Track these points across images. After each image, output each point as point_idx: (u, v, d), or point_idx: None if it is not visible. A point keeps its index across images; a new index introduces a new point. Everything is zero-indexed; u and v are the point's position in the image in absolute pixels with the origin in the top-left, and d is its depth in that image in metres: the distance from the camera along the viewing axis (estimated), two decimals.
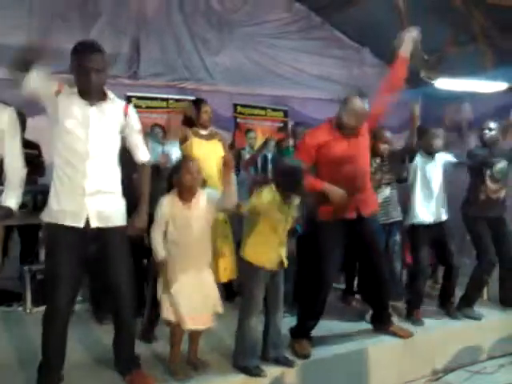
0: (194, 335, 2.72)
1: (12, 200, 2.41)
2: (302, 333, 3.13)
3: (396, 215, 3.84)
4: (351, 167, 3.03)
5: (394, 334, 3.32)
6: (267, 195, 2.69)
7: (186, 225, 2.59)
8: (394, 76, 3.22)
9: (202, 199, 2.66)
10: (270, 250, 2.73)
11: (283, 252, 2.78)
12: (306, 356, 2.96)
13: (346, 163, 3.01)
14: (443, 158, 3.77)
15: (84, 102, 2.34)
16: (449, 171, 3.79)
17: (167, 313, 2.57)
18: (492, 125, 3.87)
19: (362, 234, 3.13)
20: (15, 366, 2.76)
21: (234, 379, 2.70)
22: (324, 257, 3.06)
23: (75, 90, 2.35)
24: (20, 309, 3.76)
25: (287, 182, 2.69)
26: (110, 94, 2.45)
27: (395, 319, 3.46)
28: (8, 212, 2.40)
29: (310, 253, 3.17)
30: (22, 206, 3.69)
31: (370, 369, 3.10)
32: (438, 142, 3.69)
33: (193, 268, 2.60)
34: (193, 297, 2.56)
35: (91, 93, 2.33)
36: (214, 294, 2.68)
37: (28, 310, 3.69)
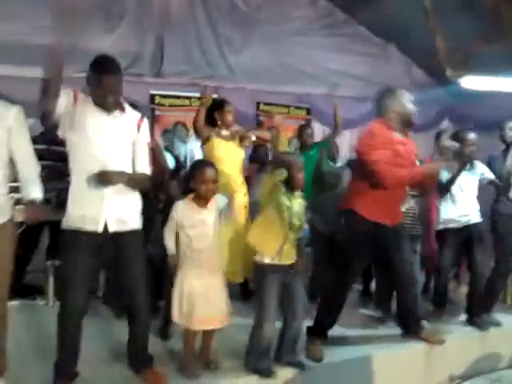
0: (207, 335, 2.76)
1: (37, 191, 2.42)
2: (318, 331, 3.13)
3: (418, 228, 3.80)
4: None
5: (425, 340, 3.25)
6: (268, 180, 2.73)
7: (200, 229, 2.63)
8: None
9: (215, 204, 2.70)
10: (273, 238, 2.70)
11: (290, 249, 2.75)
12: (318, 360, 2.96)
13: (406, 166, 2.98)
14: (483, 171, 3.76)
15: (100, 110, 2.39)
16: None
17: (176, 315, 2.63)
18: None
19: (394, 241, 3.08)
20: (34, 360, 2.85)
21: (244, 379, 2.71)
22: (352, 257, 3.05)
23: (90, 99, 2.39)
24: (43, 302, 3.88)
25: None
26: (126, 105, 2.50)
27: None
28: (41, 204, 2.43)
29: (339, 249, 3.16)
30: (47, 202, 3.83)
31: (382, 374, 3.06)
32: (473, 149, 3.64)
33: (204, 271, 2.64)
34: (203, 299, 2.60)
35: (107, 109, 2.38)
36: (224, 297, 2.71)
37: (50, 304, 3.80)
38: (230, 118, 3.69)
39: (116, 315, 3.53)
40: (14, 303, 3.51)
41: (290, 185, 2.71)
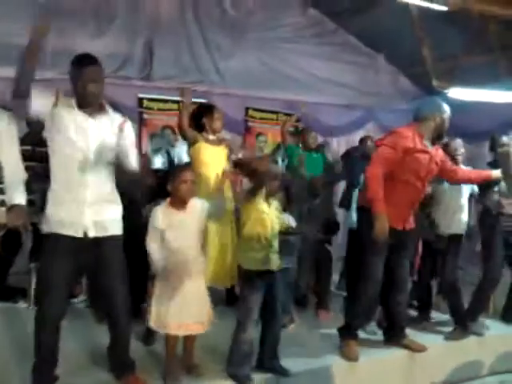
0: (188, 340, 2.75)
1: (20, 197, 2.40)
2: (348, 332, 3.17)
3: None
4: (424, 179, 3.12)
5: (406, 347, 3.29)
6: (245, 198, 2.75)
7: (180, 232, 2.62)
8: (461, 178, 3.39)
9: (196, 207, 2.68)
10: (258, 249, 2.71)
11: (275, 255, 2.77)
12: (353, 359, 3.01)
13: (423, 174, 3.08)
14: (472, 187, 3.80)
15: (82, 113, 2.39)
16: None
17: (151, 320, 2.63)
18: (505, 139, 3.78)
19: (400, 245, 3.16)
20: (13, 363, 2.81)
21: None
22: (374, 257, 3.08)
23: (72, 101, 2.39)
24: (25, 305, 3.83)
25: (255, 179, 2.75)
26: (108, 108, 2.49)
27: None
28: (25, 208, 2.39)
29: (359, 252, 3.19)
30: (31, 203, 3.80)
31: (363, 381, 3.08)
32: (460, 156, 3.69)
33: (185, 275, 2.63)
34: (181, 304, 2.59)
35: (89, 103, 2.38)
36: (206, 301, 2.71)
37: (32, 307, 3.75)
38: (218, 124, 3.69)
39: (98, 319, 3.50)
40: None
41: (266, 193, 2.73)
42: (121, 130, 2.47)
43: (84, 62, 2.36)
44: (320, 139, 5.53)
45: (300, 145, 4.76)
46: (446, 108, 3.17)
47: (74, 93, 2.38)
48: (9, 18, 4.68)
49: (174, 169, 2.90)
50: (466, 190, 3.78)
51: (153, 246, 2.61)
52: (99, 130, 2.41)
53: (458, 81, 5.08)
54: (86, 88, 2.34)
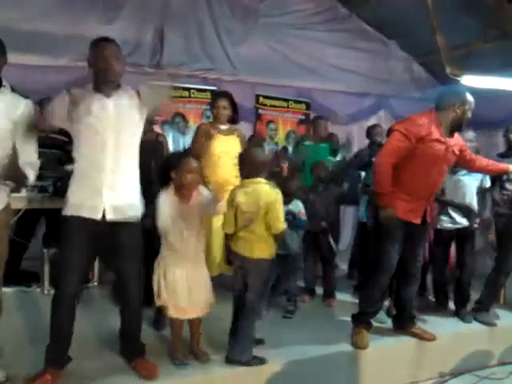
0: (193, 325, 2.79)
1: (29, 172, 2.40)
2: (361, 319, 3.20)
3: None
4: (440, 169, 3.08)
5: (415, 336, 3.30)
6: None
7: (183, 221, 2.62)
8: (478, 167, 3.37)
9: (199, 196, 2.69)
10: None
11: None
12: (363, 347, 3.05)
13: (439, 164, 3.04)
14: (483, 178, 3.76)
15: (100, 94, 2.40)
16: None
17: (158, 300, 2.67)
18: None
19: (415, 236, 3.15)
20: (28, 345, 2.88)
21: (233, 370, 2.74)
22: (387, 245, 3.08)
23: (89, 87, 2.41)
24: (38, 290, 3.90)
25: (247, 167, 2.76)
26: (125, 86, 2.49)
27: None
28: (23, 175, 2.37)
29: (374, 240, 3.19)
30: (43, 190, 3.85)
31: (371, 369, 3.09)
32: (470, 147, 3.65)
33: (188, 262, 2.66)
34: (185, 289, 2.63)
35: (110, 79, 2.38)
36: (207, 287, 2.74)
37: (45, 291, 3.82)
38: (221, 112, 3.66)
39: (115, 302, 3.54)
40: (9, 290, 3.55)
41: None
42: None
43: (105, 40, 2.40)
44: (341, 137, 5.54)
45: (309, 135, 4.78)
46: (469, 98, 3.08)
47: (94, 72, 2.40)
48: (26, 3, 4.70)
49: (175, 155, 2.88)
50: (475, 182, 3.75)
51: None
52: (119, 111, 2.41)
53: (472, 68, 4.99)
54: (108, 61, 2.35)
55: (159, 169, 2.81)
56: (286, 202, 3.56)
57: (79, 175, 2.44)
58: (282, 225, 2.70)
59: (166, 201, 2.62)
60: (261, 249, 2.73)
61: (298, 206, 3.58)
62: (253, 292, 2.72)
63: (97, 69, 2.39)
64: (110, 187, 2.41)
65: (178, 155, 2.93)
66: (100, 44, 2.39)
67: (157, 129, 5.48)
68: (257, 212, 2.67)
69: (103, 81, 2.39)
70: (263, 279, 2.78)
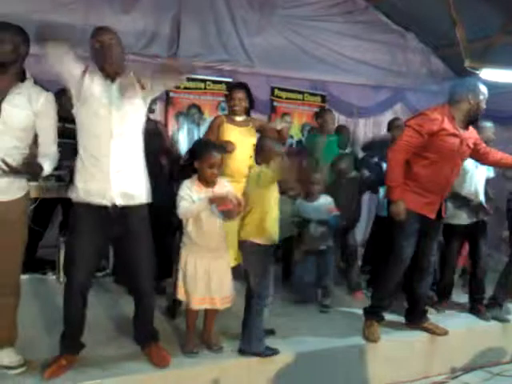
0: (209, 315, 2.82)
1: (48, 165, 2.42)
2: (375, 314, 3.21)
3: None
4: (455, 163, 3.06)
5: (428, 331, 3.29)
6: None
7: (209, 211, 2.63)
8: (491, 161, 3.32)
9: (222, 187, 2.71)
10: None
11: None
12: (374, 340, 3.06)
13: (453, 158, 3.03)
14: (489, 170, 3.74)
15: (105, 79, 2.42)
16: None
17: (180, 293, 2.71)
18: None
19: (430, 231, 3.15)
20: (42, 331, 2.94)
21: (246, 360, 2.77)
22: (402, 239, 3.07)
23: (99, 72, 2.43)
24: (53, 277, 3.97)
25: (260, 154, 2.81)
26: (130, 73, 2.50)
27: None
28: (39, 169, 2.37)
29: (389, 233, 3.18)
30: (60, 179, 3.89)
31: (383, 363, 3.10)
32: (487, 136, 3.58)
33: (209, 253, 2.68)
34: (205, 280, 2.65)
35: (111, 65, 2.39)
36: (227, 279, 2.75)
37: (61, 280, 3.88)
38: (235, 104, 3.62)
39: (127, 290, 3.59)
40: (25, 277, 3.60)
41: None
42: (141, 86, 2.48)
43: (99, 29, 2.43)
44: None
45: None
46: (483, 90, 3.04)
47: (95, 60, 2.42)
48: None
49: (201, 146, 2.89)
50: (482, 174, 3.71)
51: (183, 205, 2.62)
52: (123, 96, 2.42)
53: (492, 61, 4.90)
54: (104, 49, 2.37)
55: (186, 154, 2.81)
56: (313, 198, 3.56)
57: (86, 160, 2.44)
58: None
59: (192, 189, 2.64)
60: (250, 232, 2.75)
61: (327, 200, 3.60)
62: (252, 278, 2.75)
63: (96, 56, 2.42)
64: (117, 172, 2.42)
65: (203, 145, 2.93)
66: (95, 33, 2.41)
67: (171, 120, 5.56)
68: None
69: (104, 67, 2.41)
70: (259, 264, 2.77)
